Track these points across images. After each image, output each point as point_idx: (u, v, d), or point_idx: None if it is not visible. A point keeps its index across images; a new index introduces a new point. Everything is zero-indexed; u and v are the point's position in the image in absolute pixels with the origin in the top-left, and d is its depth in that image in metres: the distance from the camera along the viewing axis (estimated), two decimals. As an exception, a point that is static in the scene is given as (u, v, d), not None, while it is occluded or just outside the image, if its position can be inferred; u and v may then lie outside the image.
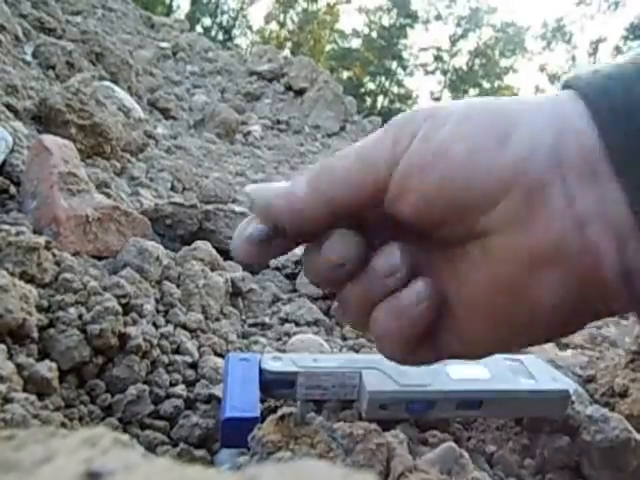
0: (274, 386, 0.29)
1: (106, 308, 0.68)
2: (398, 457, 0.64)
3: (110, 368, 0.69)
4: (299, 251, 1.36)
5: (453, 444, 0.74)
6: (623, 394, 0.84)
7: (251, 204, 0.32)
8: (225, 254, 1.21)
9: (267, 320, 1.08)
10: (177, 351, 0.80)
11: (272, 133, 3.70)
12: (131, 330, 0.71)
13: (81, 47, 1.91)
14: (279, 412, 0.66)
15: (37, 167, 0.82)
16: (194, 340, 0.83)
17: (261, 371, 0.31)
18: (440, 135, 0.25)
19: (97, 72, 1.83)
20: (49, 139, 0.84)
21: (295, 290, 1.27)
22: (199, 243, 1.08)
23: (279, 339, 1.03)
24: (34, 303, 0.61)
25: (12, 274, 0.61)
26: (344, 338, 1.09)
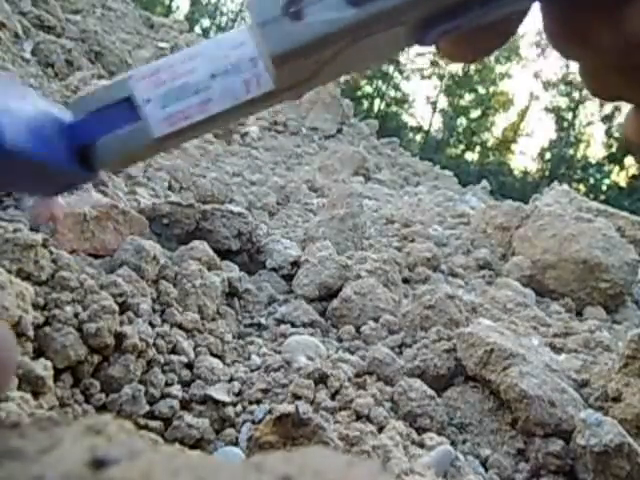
0: None
1: (102, 307, 0.67)
2: (394, 459, 0.64)
3: (105, 367, 0.69)
4: (295, 252, 1.36)
5: (449, 447, 0.74)
6: (617, 398, 0.85)
7: None
8: (222, 254, 1.21)
9: (263, 321, 1.08)
10: (173, 351, 0.80)
11: (269, 134, 3.70)
12: (127, 329, 0.71)
13: (80, 46, 1.91)
14: (276, 413, 0.66)
15: (34, 164, 0.82)
16: (190, 340, 0.83)
17: None
18: None
19: (96, 71, 1.82)
20: (47, 137, 0.84)
21: (291, 291, 1.27)
22: (196, 243, 1.08)
23: (275, 340, 1.03)
24: (30, 301, 0.61)
25: (9, 271, 0.61)
26: (340, 339, 1.09)
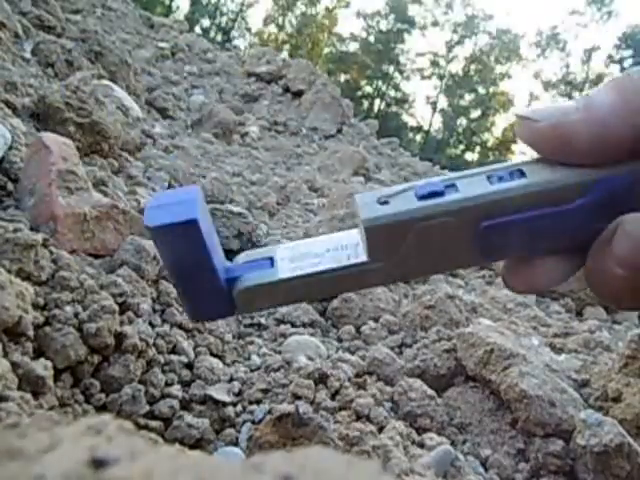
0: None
1: (103, 307, 0.67)
2: (394, 459, 0.64)
3: (105, 367, 0.69)
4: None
5: (449, 447, 0.74)
6: (617, 398, 0.85)
7: (524, 128, 0.24)
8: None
9: (263, 321, 1.08)
10: (173, 351, 0.80)
11: (269, 134, 3.70)
12: (127, 329, 0.71)
13: (80, 46, 1.91)
14: (276, 413, 0.66)
15: (36, 164, 0.82)
16: (190, 340, 0.83)
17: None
18: None
19: (96, 71, 1.82)
20: (49, 137, 0.84)
21: (291, 292, 1.27)
22: (196, 243, 1.08)
23: (275, 340, 1.03)
24: (30, 301, 0.61)
25: (9, 271, 0.61)
26: (340, 339, 1.09)
